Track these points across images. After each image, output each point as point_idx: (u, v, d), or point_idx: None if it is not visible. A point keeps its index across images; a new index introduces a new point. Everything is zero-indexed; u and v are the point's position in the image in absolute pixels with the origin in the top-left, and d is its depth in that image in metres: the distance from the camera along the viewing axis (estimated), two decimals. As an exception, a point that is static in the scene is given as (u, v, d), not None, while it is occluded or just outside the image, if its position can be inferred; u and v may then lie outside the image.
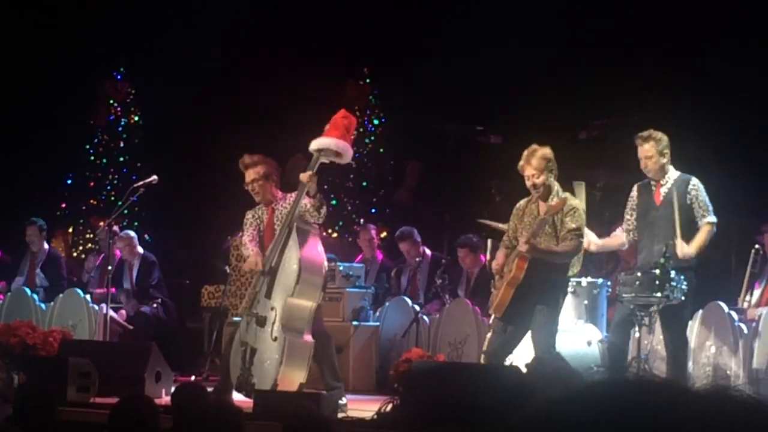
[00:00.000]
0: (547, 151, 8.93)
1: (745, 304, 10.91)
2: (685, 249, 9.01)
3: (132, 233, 13.84)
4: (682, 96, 12.55)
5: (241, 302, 10.08)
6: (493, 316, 9.21)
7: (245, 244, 9.86)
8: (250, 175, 9.86)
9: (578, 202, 9.05)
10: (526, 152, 8.94)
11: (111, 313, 12.39)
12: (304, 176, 9.60)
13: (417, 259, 12.91)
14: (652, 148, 9.17)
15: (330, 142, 9.64)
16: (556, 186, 8.96)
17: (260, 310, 9.61)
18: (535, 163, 8.87)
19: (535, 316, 8.85)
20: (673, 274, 8.81)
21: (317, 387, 9.95)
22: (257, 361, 9.55)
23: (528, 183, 8.96)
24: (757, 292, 11.00)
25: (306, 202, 9.62)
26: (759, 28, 13.00)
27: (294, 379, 9.43)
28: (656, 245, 9.11)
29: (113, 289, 12.90)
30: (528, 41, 14.04)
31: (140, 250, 13.74)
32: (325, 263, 9.93)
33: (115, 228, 12.98)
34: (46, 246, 14.42)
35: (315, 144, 9.67)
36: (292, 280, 9.51)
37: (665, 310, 8.94)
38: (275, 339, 9.50)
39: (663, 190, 9.25)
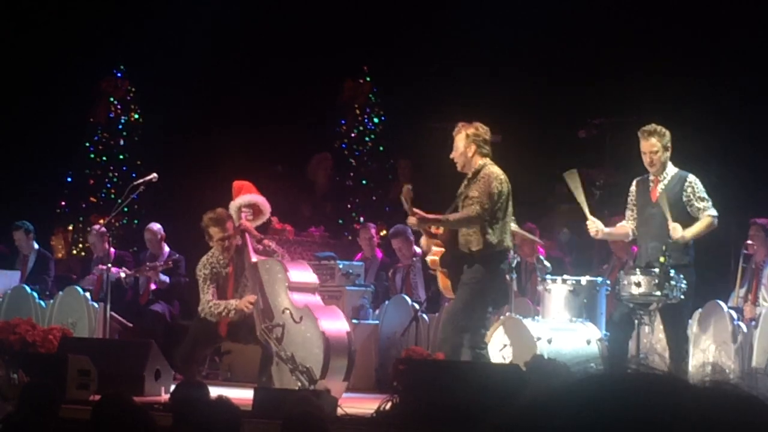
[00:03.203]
0: (469, 130, 9.03)
1: (740, 302, 10.90)
2: (679, 231, 8.86)
3: (156, 226, 13.55)
4: (681, 95, 12.55)
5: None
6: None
7: (217, 303, 9.75)
8: (219, 232, 9.78)
9: (496, 169, 9.02)
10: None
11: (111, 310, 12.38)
12: (244, 225, 9.80)
13: (414, 259, 12.90)
14: (657, 143, 9.05)
15: (257, 198, 9.90)
16: (480, 161, 9.00)
17: (275, 325, 9.57)
18: (456, 143, 9.06)
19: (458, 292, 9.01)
20: (672, 272, 8.78)
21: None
22: (303, 354, 9.38)
23: None
24: (742, 291, 10.99)
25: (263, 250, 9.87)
26: (757, 29, 13.01)
27: (341, 325, 9.54)
28: (651, 242, 9.06)
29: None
30: (528, 40, 14.04)
31: (167, 248, 13.58)
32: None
33: (96, 226, 12.93)
34: (36, 246, 14.32)
35: (239, 202, 9.83)
36: (281, 277, 9.61)
37: (665, 309, 8.92)
38: (300, 319, 9.48)
39: (660, 187, 9.16)
